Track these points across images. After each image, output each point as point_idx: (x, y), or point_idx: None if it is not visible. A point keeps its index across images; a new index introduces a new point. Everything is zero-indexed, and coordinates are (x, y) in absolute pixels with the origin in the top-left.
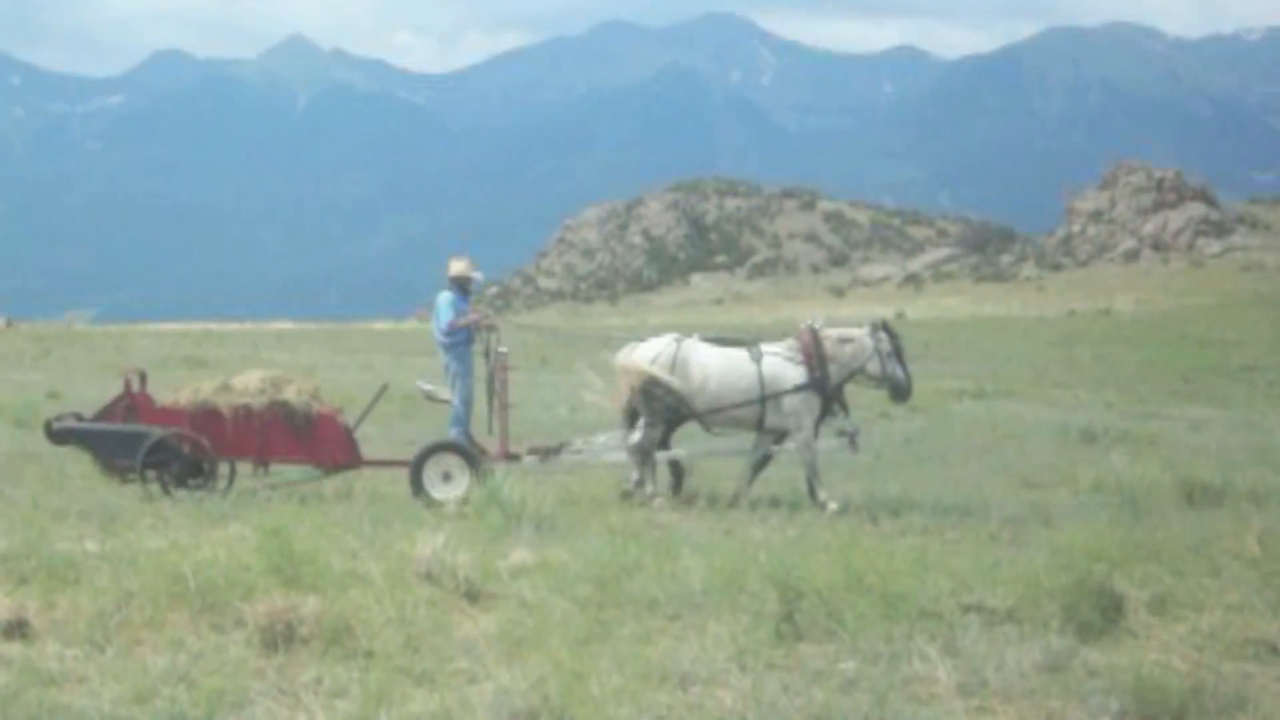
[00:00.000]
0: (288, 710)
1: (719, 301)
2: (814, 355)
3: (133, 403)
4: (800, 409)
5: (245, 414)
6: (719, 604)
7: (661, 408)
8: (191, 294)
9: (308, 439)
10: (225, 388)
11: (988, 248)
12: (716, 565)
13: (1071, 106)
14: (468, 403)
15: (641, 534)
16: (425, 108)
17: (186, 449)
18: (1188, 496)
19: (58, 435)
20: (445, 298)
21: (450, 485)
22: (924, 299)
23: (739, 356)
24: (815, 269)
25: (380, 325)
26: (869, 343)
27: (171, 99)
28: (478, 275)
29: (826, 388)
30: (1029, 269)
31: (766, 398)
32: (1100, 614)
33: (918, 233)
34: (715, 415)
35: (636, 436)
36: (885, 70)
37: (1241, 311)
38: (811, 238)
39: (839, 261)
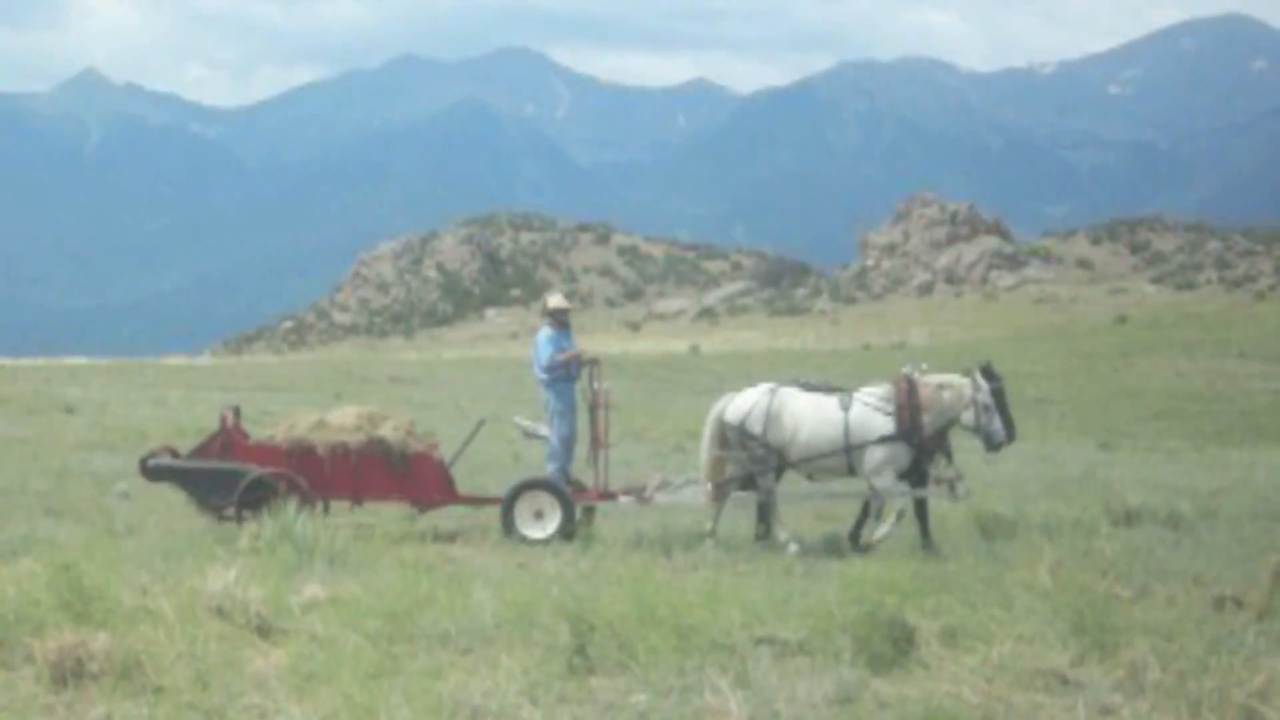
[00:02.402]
0: None
1: (514, 335)
2: (906, 405)
3: (229, 440)
4: (883, 460)
5: (342, 452)
6: (511, 637)
7: (758, 458)
8: None
9: (404, 477)
10: (321, 425)
11: (782, 281)
12: (508, 599)
13: (865, 140)
14: (566, 440)
15: (434, 568)
16: (219, 142)
17: (283, 488)
18: (981, 528)
19: (152, 472)
20: (545, 334)
21: (542, 523)
22: (719, 332)
23: (829, 404)
24: (610, 303)
25: (174, 360)
26: (967, 392)
27: None
28: (568, 305)
29: (916, 438)
30: (823, 302)
31: (851, 447)
32: (892, 645)
33: (712, 267)
34: (807, 464)
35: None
36: (679, 104)
37: (1034, 344)
38: (606, 272)
39: (634, 295)
